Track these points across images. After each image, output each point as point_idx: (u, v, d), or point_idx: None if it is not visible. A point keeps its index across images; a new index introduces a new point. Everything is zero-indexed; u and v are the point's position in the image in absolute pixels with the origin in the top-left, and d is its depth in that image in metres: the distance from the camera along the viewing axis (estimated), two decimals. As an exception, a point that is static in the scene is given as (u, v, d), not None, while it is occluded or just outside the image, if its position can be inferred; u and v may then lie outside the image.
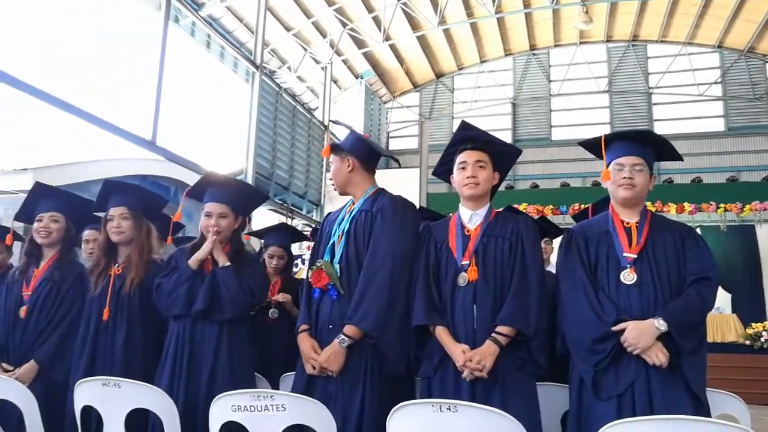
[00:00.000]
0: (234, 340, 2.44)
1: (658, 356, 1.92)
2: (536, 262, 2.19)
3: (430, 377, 2.15)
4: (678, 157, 2.36)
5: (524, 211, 12.30)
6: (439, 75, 18.23)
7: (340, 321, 2.25)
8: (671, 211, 11.89)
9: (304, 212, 13.43)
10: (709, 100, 16.52)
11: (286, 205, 12.68)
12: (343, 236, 2.36)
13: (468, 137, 2.37)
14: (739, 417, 2.16)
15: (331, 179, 2.53)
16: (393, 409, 1.53)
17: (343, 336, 2.18)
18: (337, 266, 2.32)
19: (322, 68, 14.56)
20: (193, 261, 2.47)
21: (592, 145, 2.29)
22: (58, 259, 2.75)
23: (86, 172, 8.72)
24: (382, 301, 2.21)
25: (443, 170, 2.50)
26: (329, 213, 2.63)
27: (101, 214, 2.83)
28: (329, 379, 2.21)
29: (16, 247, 3.60)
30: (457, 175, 2.35)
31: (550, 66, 17.85)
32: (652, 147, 2.25)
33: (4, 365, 2.58)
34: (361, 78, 16.39)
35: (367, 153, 2.52)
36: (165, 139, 9.12)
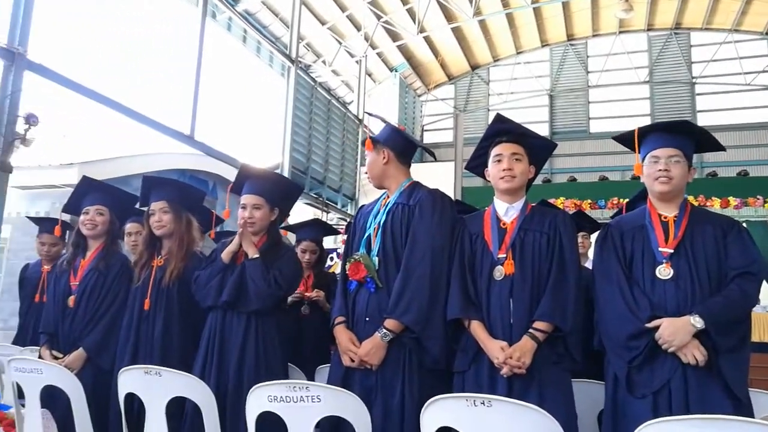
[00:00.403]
0: (262, 331, 2.47)
1: (694, 354, 1.85)
2: (574, 257, 2.15)
3: (464, 371, 2.14)
4: (719, 147, 2.27)
5: (561, 205, 12.09)
6: (474, 67, 18.05)
7: (377, 313, 2.24)
8: (715, 206, 11.51)
9: (338, 206, 13.52)
10: (756, 89, 15.91)
11: (321, 199, 12.78)
12: (380, 229, 2.35)
13: (502, 130, 2.33)
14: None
15: (366, 172, 2.52)
16: (427, 402, 1.53)
17: (385, 330, 2.18)
18: (375, 259, 2.32)
19: (357, 62, 14.59)
20: (225, 254, 2.53)
21: (627, 139, 2.23)
22: (103, 250, 2.85)
23: (128, 166, 8.97)
24: (423, 295, 2.20)
25: (476, 164, 2.46)
26: (363, 205, 2.63)
27: (143, 208, 2.91)
28: (368, 372, 2.20)
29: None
30: (492, 168, 2.31)
31: (588, 56, 17.46)
32: (691, 138, 2.17)
33: (54, 353, 2.69)
34: (396, 71, 16.35)
35: (402, 145, 2.51)
36: (203, 134, 9.30)
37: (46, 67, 6.64)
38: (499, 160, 2.28)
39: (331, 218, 13.70)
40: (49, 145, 7.77)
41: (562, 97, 17.65)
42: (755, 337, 11.35)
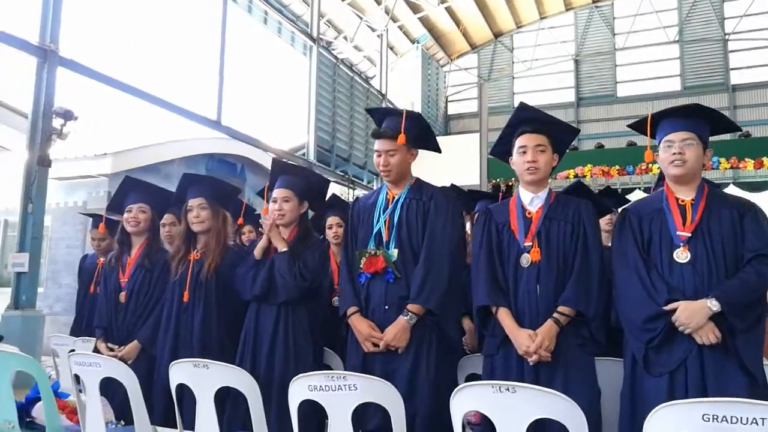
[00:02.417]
0: (291, 321, 2.60)
1: (709, 337, 1.91)
2: (597, 245, 2.22)
3: (493, 355, 2.25)
4: (736, 128, 2.30)
5: (589, 172, 11.95)
6: (497, 35, 17.77)
7: (396, 301, 2.37)
8: (748, 167, 11.20)
9: (364, 183, 13.62)
10: (792, 44, 15.37)
11: (347, 176, 12.89)
12: (393, 223, 2.46)
13: (526, 118, 2.38)
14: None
15: (387, 167, 2.50)
16: (456, 389, 1.64)
17: (411, 314, 2.32)
18: (394, 251, 2.42)
19: (378, 36, 14.51)
20: (257, 249, 2.67)
21: (641, 126, 2.26)
22: (147, 246, 3.00)
23: (159, 153, 9.21)
24: (443, 282, 2.35)
25: (500, 150, 2.51)
26: (358, 197, 2.74)
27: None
28: (392, 355, 2.33)
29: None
30: (517, 159, 2.36)
31: (614, 18, 17.03)
32: (704, 120, 2.18)
33: (110, 345, 2.88)
34: (418, 43, 16.22)
35: (426, 145, 2.63)
36: (229, 118, 9.45)
37: (78, 63, 6.83)
38: (524, 152, 2.33)
39: (358, 194, 13.85)
40: (84, 137, 8.01)
41: (588, 62, 17.30)
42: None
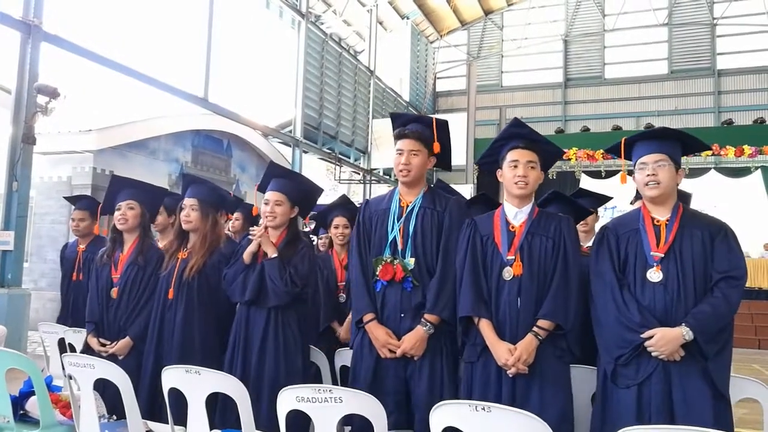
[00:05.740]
0: (282, 324, 2.69)
1: (675, 356, 2.06)
2: (576, 261, 2.32)
3: (473, 362, 2.36)
4: (705, 147, 2.40)
5: (574, 156, 12.08)
6: (487, 12, 17.65)
7: (412, 309, 2.45)
8: (729, 155, 11.38)
9: (351, 160, 13.61)
10: (779, 31, 15.48)
11: (333, 153, 12.87)
12: (409, 233, 2.50)
13: (518, 135, 2.44)
14: (762, 400, 2.26)
15: (407, 165, 2.52)
16: (435, 406, 1.75)
17: (429, 324, 2.41)
18: (410, 260, 2.48)
19: (368, 11, 14.35)
20: (246, 254, 2.73)
21: (616, 149, 2.35)
22: (139, 243, 3.04)
23: (144, 130, 9.14)
24: (455, 292, 2.43)
25: (488, 161, 2.57)
26: (368, 200, 2.75)
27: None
28: (406, 361, 2.43)
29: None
30: (507, 172, 2.41)
31: (605, -1, 16.99)
32: (676, 142, 2.28)
33: (102, 340, 2.95)
34: (407, 18, 16.07)
35: (443, 159, 2.66)
36: (216, 94, 9.36)
37: (62, 38, 6.71)
38: (515, 166, 2.39)
39: (344, 171, 13.85)
40: (68, 112, 7.90)
41: (576, 42, 17.29)
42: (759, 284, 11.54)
